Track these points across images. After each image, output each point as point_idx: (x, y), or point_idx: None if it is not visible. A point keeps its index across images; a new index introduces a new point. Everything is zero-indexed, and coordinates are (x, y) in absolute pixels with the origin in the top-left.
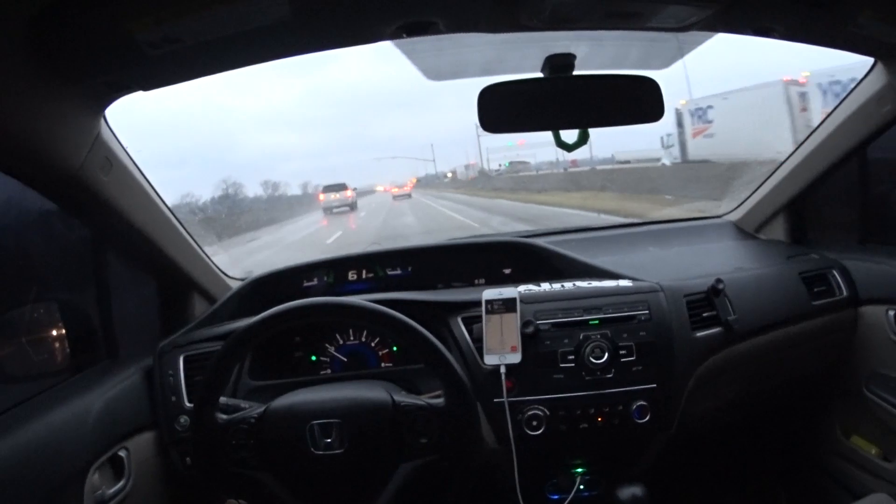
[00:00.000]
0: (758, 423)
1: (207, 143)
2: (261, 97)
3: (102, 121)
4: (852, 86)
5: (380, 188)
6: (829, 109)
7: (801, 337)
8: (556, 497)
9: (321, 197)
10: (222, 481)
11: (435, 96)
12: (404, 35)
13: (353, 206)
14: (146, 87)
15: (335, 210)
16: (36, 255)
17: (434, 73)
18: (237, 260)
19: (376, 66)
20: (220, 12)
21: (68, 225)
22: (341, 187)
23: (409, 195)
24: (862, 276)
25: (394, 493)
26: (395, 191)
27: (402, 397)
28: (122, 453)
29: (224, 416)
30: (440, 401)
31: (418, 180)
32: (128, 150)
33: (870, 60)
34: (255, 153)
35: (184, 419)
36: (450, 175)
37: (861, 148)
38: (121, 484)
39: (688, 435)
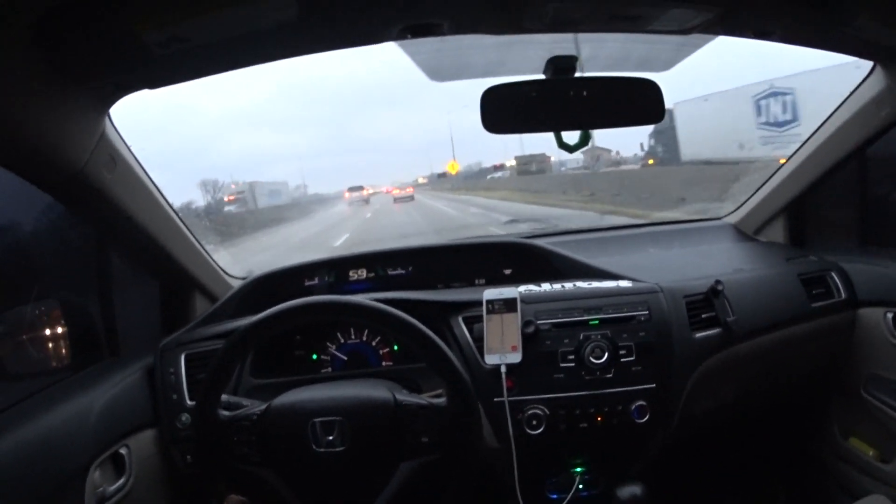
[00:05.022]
0: (757, 423)
1: (189, 145)
2: (240, 95)
3: (107, 119)
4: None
5: (382, 189)
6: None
7: (800, 338)
8: (555, 496)
9: (346, 195)
10: (224, 477)
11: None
12: (409, 36)
13: (367, 201)
14: (152, 86)
15: (355, 203)
16: (39, 253)
17: (437, 74)
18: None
19: (369, 64)
20: (229, 13)
21: (71, 223)
22: (360, 188)
23: (411, 197)
24: (860, 278)
25: (394, 491)
26: (397, 192)
27: (404, 396)
28: (122, 451)
29: (226, 413)
30: (442, 400)
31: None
32: (131, 148)
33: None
34: (237, 154)
35: (185, 417)
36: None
37: (860, 150)
38: (122, 481)
39: (687, 435)
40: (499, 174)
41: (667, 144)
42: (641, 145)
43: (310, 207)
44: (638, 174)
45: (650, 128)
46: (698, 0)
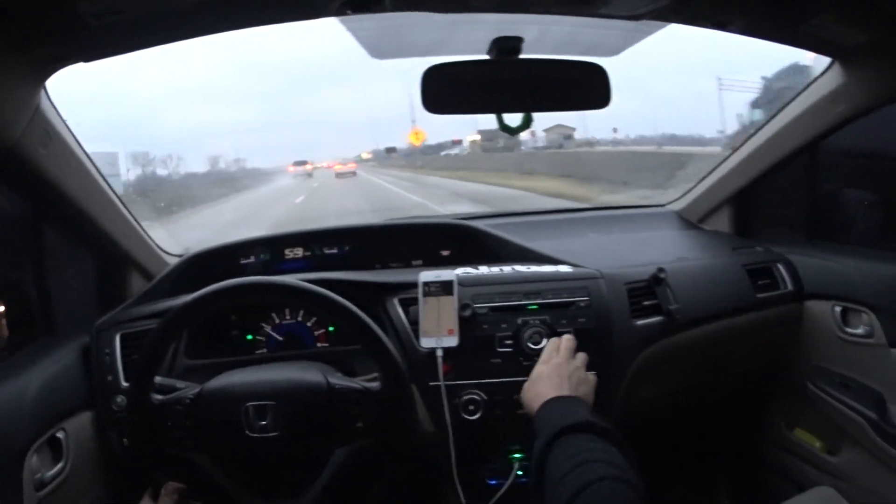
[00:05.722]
0: (700, 413)
1: (127, 119)
2: (185, 69)
3: (43, 92)
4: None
5: (322, 164)
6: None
7: (745, 329)
8: (493, 482)
9: (291, 168)
10: (159, 463)
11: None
12: (349, 11)
13: (310, 175)
14: (87, 59)
15: (298, 177)
16: None
17: (378, 52)
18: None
19: (312, 40)
20: None
21: (6, 198)
22: (304, 162)
23: (353, 173)
24: (808, 271)
25: (330, 477)
26: (339, 167)
27: (338, 380)
28: (60, 434)
29: (159, 397)
30: (376, 384)
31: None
32: (67, 122)
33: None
34: (178, 129)
35: (120, 399)
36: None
37: (811, 146)
38: (59, 466)
39: (629, 424)
40: (455, 150)
41: None
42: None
43: (184, 195)
44: None
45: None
46: None
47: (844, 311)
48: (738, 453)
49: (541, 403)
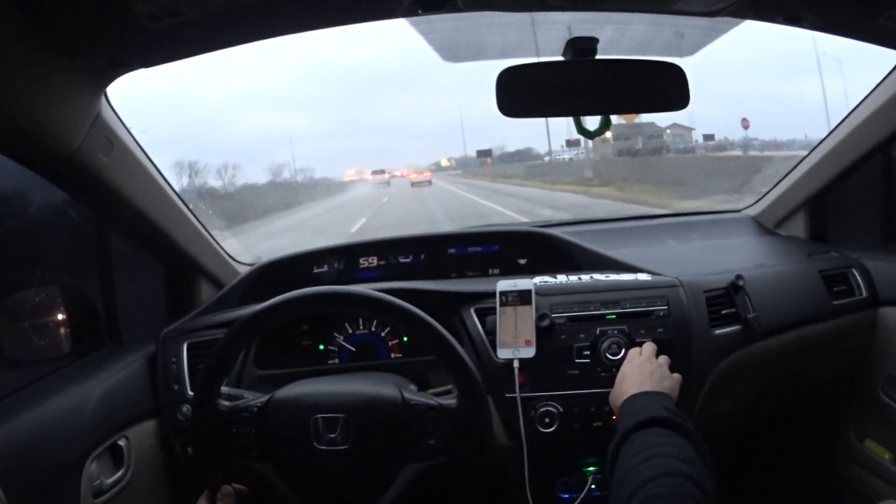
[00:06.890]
0: (771, 425)
1: (191, 126)
2: (249, 74)
3: (103, 99)
4: None
5: (397, 173)
6: None
7: (820, 337)
8: (566, 496)
9: (370, 177)
10: (221, 471)
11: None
12: (420, 11)
13: (388, 183)
14: (147, 64)
15: (377, 184)
16: (39, 237)
17: (450, 54)
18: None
19: (383, 45)
20: None
21: (72, 207)
22: (382, 171)
23: (429, 182)
24: (882, 276)
25: (397, 494)
26: (414, 176)
27: (413, 395)
28: (121, 442)
29: (226, 403)
30: (452, 402)
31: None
32: (131, 130)
33: None
34: (248, 136)
35: (186, 408)
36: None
37: (885, 146)
38: (119, 473)
39: (702, 436)
40: (570, 154)
41: None
42: None
43: None
44: None
45: None
46: None
47: None
48: (808, 465)
49: (623, 401)
